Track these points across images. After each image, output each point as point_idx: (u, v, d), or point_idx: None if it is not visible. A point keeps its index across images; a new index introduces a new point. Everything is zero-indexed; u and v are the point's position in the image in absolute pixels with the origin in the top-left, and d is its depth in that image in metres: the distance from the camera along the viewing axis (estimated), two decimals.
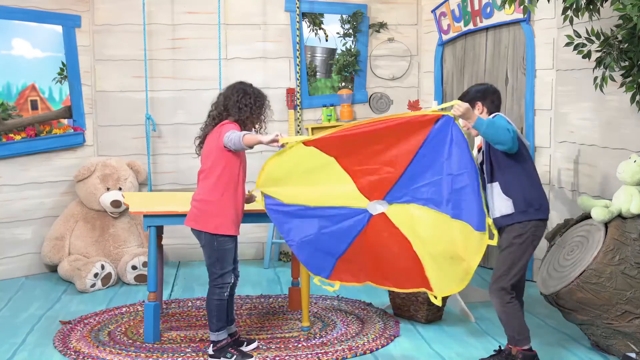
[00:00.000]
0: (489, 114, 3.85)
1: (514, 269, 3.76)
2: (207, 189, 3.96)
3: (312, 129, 6.42)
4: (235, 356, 4.05)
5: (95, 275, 5.51)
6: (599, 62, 4.11)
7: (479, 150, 3.95)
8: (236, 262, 4.20)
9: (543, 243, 4.18)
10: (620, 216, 4.02)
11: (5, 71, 5.83)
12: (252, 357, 4.08)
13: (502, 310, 3.78)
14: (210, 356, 4.07)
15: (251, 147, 3.86)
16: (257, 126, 4.09)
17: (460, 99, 3.87)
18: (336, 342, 4.34)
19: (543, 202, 3.78)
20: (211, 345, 4.08)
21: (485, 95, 3.87)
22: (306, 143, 3.86)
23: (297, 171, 3.96)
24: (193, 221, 4.01)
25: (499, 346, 4.06)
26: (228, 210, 3.96)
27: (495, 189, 3.78)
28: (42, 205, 6.04)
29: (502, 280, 3.76)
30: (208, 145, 4.01)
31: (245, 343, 4.25)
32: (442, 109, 3.69)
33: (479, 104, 3.85)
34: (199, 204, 3.99)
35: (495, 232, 3.68)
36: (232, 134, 3.85)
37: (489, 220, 3.62)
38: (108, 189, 5.98)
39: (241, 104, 3.99)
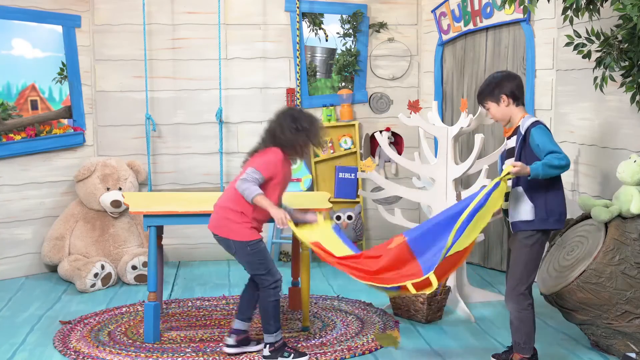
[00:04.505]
0: (515, 103, 3.78)
1: (530, 273, 3.73)
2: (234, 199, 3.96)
3: None
4: (292, 354, 4.01)
5: (95, 275, 5.51)
6: (599, 62, 4.11)
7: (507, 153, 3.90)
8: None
9: None
10: (620, 216, 4.02)
11: (5, 71, 5.83)
12: (306, 355, 4.05)
13: (517, 316, 3.74)
14: (266, 357, 4.01)
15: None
16: (305, 151, 4.06)
17: (483, 93, 3.83)
18: (336, 342, 4.34)
19: (563, 211, 3.73)
20: (267, 346, 4.02)
21: (509, 88, 3.79)
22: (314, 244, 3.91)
23: None
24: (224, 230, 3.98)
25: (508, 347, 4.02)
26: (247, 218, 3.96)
27: (519, 193, 3.72)
28: (42, 205, 6.04)
29: (520, 286, 3.72)
30: (246, 166, 4.00)
31: (255, 342, 4.22)
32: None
33: (504, 96, 3.78)
34: (222, 210, 3.98)
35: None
36: (249, 187, 3.84)
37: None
38: (108, 189, 5.97)
39: (286, 130, 3.95)
